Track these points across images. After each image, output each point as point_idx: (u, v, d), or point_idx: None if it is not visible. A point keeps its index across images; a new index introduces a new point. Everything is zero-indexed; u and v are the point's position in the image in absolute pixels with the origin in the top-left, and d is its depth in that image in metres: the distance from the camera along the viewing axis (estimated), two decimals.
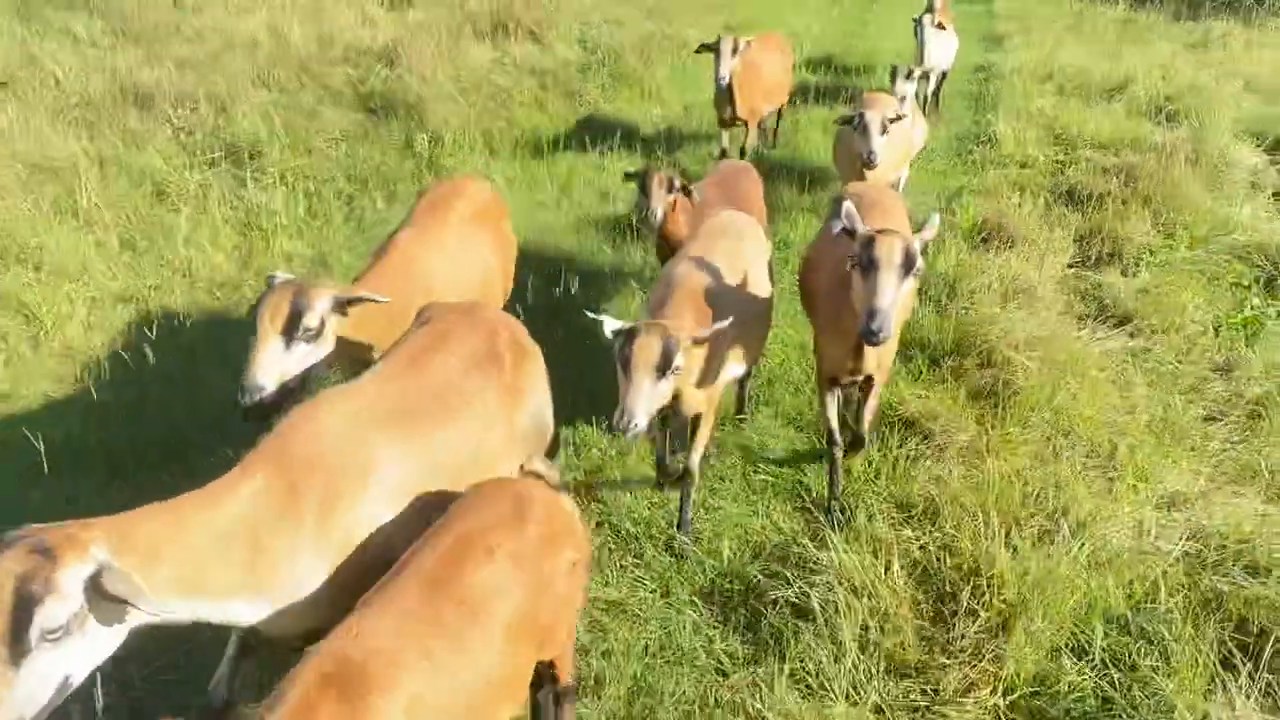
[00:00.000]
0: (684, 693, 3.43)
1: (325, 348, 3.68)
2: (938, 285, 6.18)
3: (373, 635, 2.40)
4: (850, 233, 3.87)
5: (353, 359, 3.90)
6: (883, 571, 3.66)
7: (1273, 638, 3.40)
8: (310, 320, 3.55)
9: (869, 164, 6.05)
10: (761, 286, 4.45)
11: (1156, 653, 3.38)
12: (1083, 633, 3.50)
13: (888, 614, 3.52)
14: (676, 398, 3.79)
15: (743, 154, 8.06)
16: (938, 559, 3.82)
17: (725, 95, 7.71)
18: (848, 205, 3.98)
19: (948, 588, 3.70)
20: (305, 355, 3.61)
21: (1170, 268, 6.48)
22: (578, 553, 2.96)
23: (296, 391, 3.67)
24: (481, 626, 2.57)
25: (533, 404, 3.63)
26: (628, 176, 5.48)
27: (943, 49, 9.84)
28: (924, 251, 3.80)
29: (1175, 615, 3.49)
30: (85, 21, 10.37)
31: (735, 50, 7.50)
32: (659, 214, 5.21)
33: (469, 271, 4.48)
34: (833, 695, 3.28)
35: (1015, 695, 3.31)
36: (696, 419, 4.19)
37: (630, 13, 12.94)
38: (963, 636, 3.48)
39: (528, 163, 8.29)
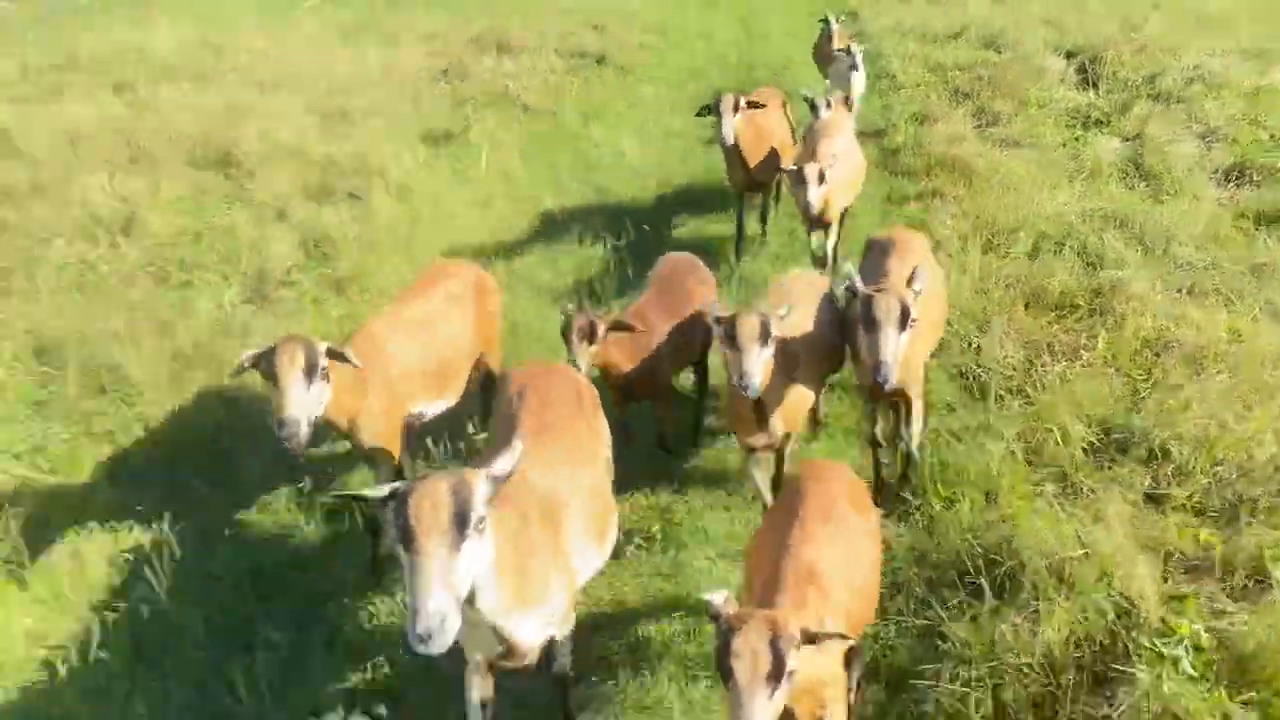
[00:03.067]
0: None
1: (328, 392, 4.32)
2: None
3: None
4: (853, 291, 4.49)
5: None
6: None
7: None
8: (321, 362, 4.22)
9: (810, 216, 6.75)
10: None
11: None
12: None
13: None
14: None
15: (764, 222, 8.55)
16: None
17: (735, 158, 7.60)
18: (847, 267, 4.82)
19: None
20: (319, 394, 4.25)
21: (1030, 119, 11.07)
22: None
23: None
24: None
25: (606, 438, 4.45)
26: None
27: (858, 79, 10.13)
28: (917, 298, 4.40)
29: None
30: None
31: (736, 108, 7.30)
32: (583, 366, 4.87)
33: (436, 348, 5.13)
34: None
35: None
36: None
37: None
38: None
39: None
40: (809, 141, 7.48)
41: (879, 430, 5.22)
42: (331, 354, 4.28)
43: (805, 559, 3.20)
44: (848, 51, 10.10)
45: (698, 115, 7.83)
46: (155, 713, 4.27)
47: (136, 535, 5.12)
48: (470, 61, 14.00)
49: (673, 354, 5.45)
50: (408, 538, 2.66)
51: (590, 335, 4.91)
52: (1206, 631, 3.56)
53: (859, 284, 4.48)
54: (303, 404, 4.15)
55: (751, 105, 7.45)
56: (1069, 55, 14.01)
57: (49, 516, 5.14)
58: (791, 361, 4.60)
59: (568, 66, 14.33)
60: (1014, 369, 5.79)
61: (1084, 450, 4.99)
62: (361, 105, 11.56)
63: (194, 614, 4.71)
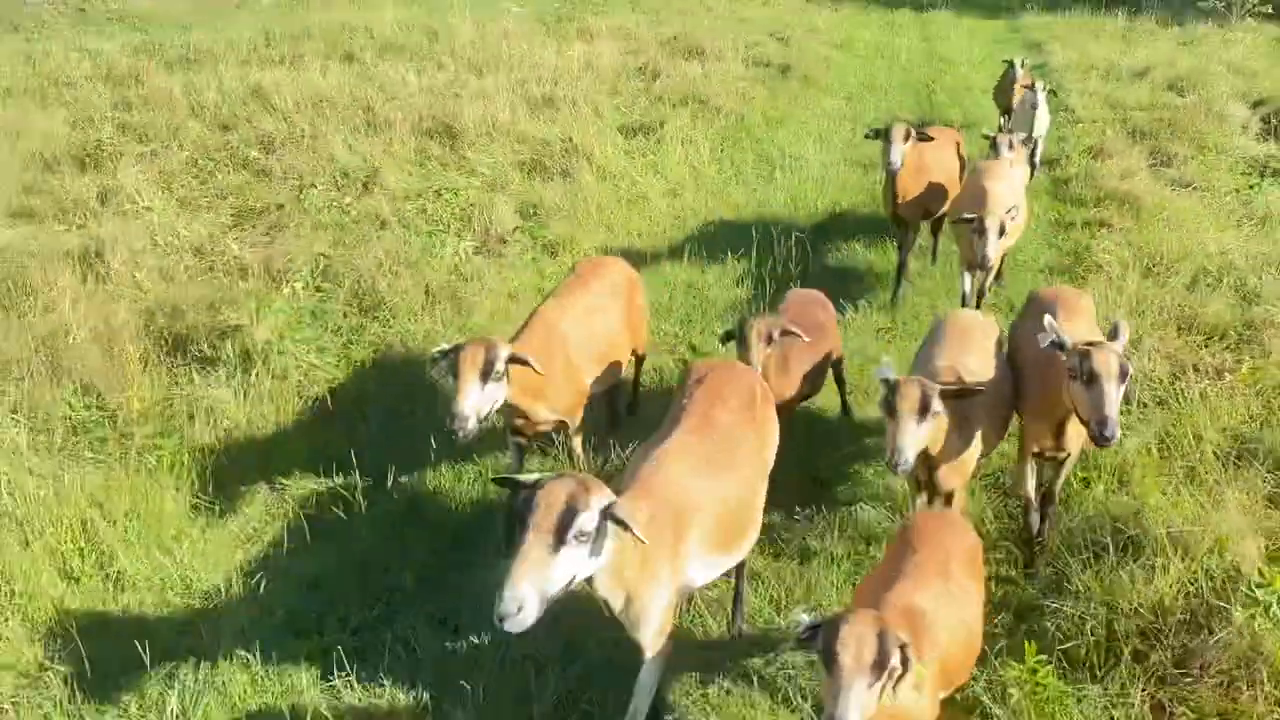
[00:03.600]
0: None
1: (504, 391, 4.70)
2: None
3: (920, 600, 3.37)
4: (1059, 345, 4.31)
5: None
6: None
7: None
8: (499, 366, 4.58)
9: (985, 267, 6.66)
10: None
11: None
12: None
13: None
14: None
15: (934, 259, 8.68)
16: None
17: (890, 188, 7.59)
18: (1048, 319, 4.45)
19: None
20: (493, 393, 4.64)
21: (1205, 164, 11.41)
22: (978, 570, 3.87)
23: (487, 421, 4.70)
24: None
25: (773, 444, 4.60)
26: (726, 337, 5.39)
27: (1046, 115, 10.52)
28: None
29: None
30: None
31: (907, 137, 7.28)
32: (758, 369, 4.97)
33: (598, 337, 5.49)
34: None
35: None
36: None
37: None
38: None
39: None
40: (975, 181, 7.31)
41: (1030, 490, 5.06)
42: (514, 359, 4.66)
43: (910, 599, 3.36)
44: (1031, 88, 10.42)
45: (866, 138, 7.81)
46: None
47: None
48: (664, 62, 15.12)
49: (810, 383, 5.63)
50: (521, 528, 3.12)
51: (769, 339, 5.06)
52: None
53: (1065, 336, 4.35)
54: (474, 401, 4.56)
55: (922, 138, 7.42)
56: (1255, 105, 14.13)
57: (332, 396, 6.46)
58: (969, 414, 4.43)
59: (754, 75, 15.32)
60: (1159, 381, 6.40)
61: (1214, 454, 5.61)
62: (566, 94, 12.80)
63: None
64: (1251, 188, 10.66)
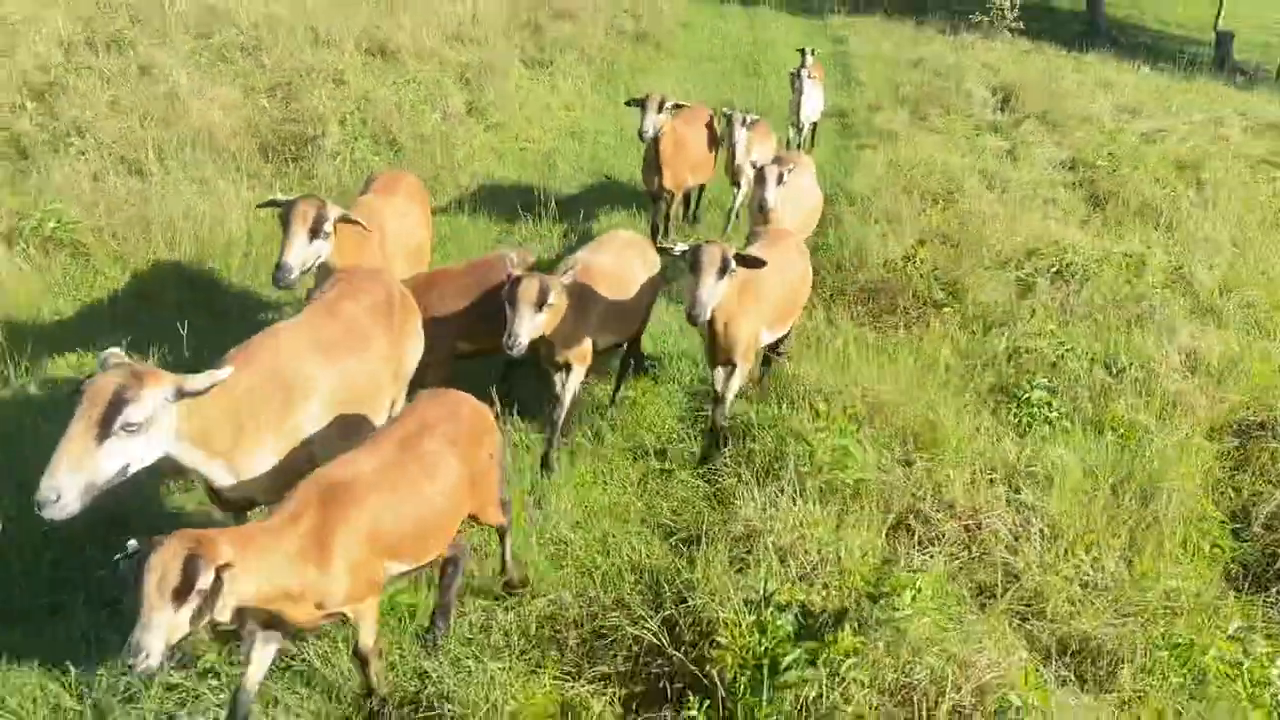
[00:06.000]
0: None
1: (329, 246, 5.18)
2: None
3: (357, 469, 3.67)
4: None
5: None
6: None
7: None
8: (328, 227, 5.10)
9: (764, 214, 7.30)
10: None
11: None
12: None
13: None
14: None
15: (666, 223, 9.46)
16: None
17: (654, 164, 8.57)
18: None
19: None
20: (319, 248, 5.10)
21: (948, 121, 16.10)
22: (493, 446, 4.39)
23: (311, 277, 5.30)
24: (431, 478, 3.91)
25: (413, 350, 5.12)
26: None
27: (814, 101, 12.47)
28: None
29: None
30: None
31: (661, 107, 8.13)
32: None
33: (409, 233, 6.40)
34: None
35: None
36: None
37: None
38: None
39: None
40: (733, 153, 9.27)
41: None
42: (344, 219, 5.24)
43: (338, 471, 3.71)
44: (797, 74, 12.01)
45: (626, 104, 8.77)
46: None
47: None
48: (544, 21, 18.78)
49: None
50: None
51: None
52: None
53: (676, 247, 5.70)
54: (299, 255, 5.05)
55: (677, 107, 8.50)
56: (994, 90, 19.21)
57: None
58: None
59: (617, 39, 19.20)
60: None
61: None
62: (471, 34, 16.22)
63: None
64: (977, 134, 15.41)
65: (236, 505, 4.23)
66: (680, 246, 5.62)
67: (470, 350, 6.05)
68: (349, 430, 4.35)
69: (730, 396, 6.09)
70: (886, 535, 5.26)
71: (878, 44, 22.80)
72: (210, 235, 7.88)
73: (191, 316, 6.77)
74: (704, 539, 5.15)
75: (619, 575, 5.00)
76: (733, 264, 5.35)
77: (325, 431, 4.28)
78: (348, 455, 3.78)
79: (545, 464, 5.86)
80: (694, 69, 18.65)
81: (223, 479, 3.92)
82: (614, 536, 5.27)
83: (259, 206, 6.19)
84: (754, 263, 5.45)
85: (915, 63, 20.66)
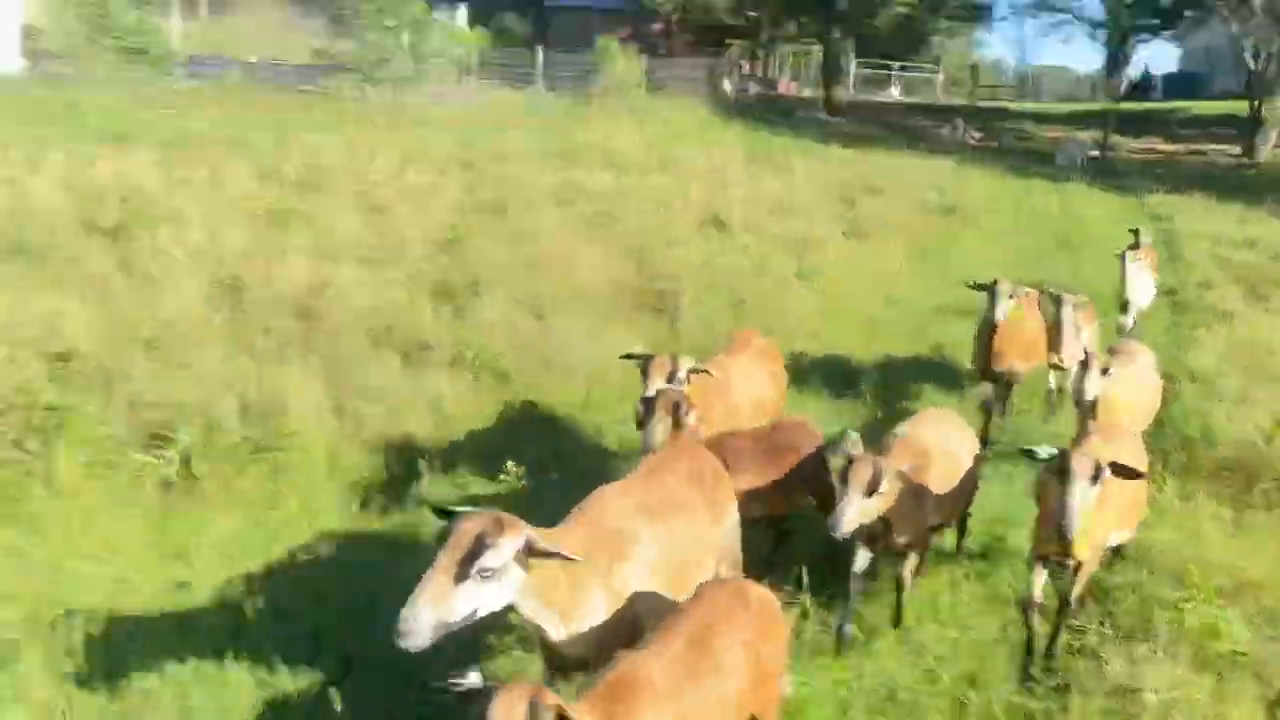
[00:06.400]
0: None
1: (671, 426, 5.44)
2: None
3: (648, 667, 3.50)
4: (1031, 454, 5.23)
5: None
6: None
7: None
8: (681, 374, 6.09)
9: (1088, 406, 7.02)
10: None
11: None
12: None
13: None
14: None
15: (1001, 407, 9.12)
16: None
17: (987, 345, 8.43)
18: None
19: None
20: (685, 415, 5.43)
21: None
22: (781, 638, 4.21)
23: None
24: (720, 682, 3.69)
25: (729, 521, 5.14)
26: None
27: (1144, 287, 11.48)
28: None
29: None
30: None
31: (1012, 294, 8.11)
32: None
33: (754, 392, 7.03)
34: None
35: None
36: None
37: None
38: None
39: None
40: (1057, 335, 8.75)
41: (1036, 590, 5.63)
42: (694, 370, 6.19)
43: (633, 668, 3.50)
44: (1124, 256, 11.21)
45: (969, 287, 8.73)
46: None
47: None
48: (857, 195, 19.94)
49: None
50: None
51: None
52: None
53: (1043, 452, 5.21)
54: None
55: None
56: None
57: None
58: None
59: (923, 214, 19.98)
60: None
61: None
62: (790, 204, 17.52)
63: None
64: None
65: (566, 664, 4.29)
66: (1044, 449, 5.24)
67: (759, 515, 5.99)
68: (669, 596, 4.40)
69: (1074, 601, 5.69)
70: (1267, 710, 5.20)
71: (1202, 223, 22.10)
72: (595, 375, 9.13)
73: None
74: (1073, 688, 5.30)
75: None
76: (1106, 472, 4.96)
77: (648, 595, 4.35)
78: (636, 652, 3.66)
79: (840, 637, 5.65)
80: (1002, 243, 18.95)
81: (557, 632, 4.04)
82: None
83: (621, 358, 6.79)
84: (1130, 474, 5.09)
85: (1249, 243, 19.88)
